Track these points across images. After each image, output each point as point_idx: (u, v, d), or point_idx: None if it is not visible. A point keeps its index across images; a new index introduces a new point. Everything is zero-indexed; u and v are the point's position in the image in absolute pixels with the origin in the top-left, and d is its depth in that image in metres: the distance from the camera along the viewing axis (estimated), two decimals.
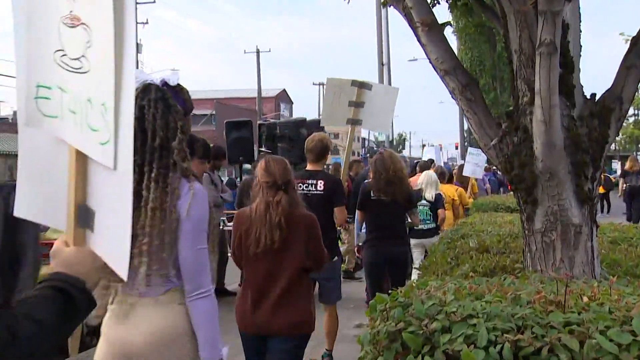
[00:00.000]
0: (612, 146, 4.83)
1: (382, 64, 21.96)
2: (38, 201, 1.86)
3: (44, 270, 6.27)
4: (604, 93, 3.95)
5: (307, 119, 10.87)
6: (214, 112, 47.23)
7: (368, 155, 32.22)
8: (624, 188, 17.00)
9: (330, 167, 11.19)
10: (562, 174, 3.78)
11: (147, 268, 2.44)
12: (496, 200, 10.89)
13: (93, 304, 1.63)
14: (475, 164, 13.46)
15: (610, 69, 4.23)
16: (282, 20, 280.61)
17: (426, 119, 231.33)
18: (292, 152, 9.04)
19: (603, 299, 2.59)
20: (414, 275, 6.72)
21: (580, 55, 3.98)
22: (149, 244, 2.43)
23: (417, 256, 8.06)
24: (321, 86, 54.29)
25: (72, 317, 1.56)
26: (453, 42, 22.91)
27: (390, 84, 20.52)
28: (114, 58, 1.52)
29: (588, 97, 3.97)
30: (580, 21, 4.02)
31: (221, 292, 7.88)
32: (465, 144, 35.22)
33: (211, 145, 7.96)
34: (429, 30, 4.22)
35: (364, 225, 6.88)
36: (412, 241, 8.11)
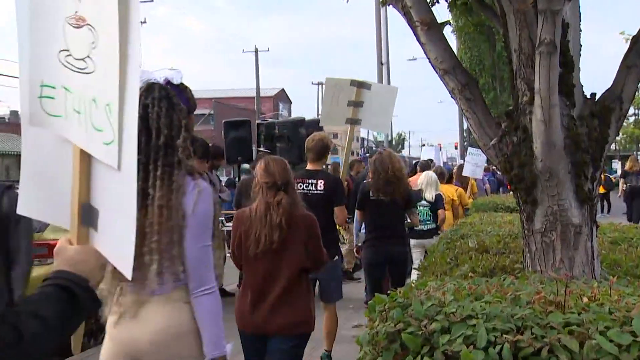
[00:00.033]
0: (613, 146, 4.83)
1: (382, 64, 21.97)
2: (42, 199, 1.87)
3: (43, 271, 6.31)
4: (604, 92, 3.94)
5: (306, 118, 10.87)
6: (212, 112, 47.21)
7: (368, 155, 32.23)
8: (624, 188, 17.00)
9: (329, 166, 11.18)
10: (562, 173, 3.77)
11: (159, 266, 2.46)
12: (496, 200, 10.88)
13: (97, 302, 1.64)
14: (474, 164, 13.45)
15: (611, 69, 4.23)
16: (281, 19, 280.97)
17: (425, 118, 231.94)
18: (290, 152, 9.03)
19: (603, 300, 2.59)
20: (414, 275, 6.71)
21: (580, 55, 3.97)
22: (159, 242, 2.45)
23: (417, 256, 8.05)
24: (320, 86, 54.25)
25: (75, 315, 1.56)
26: (452, 41, 22.86)
27: (389, 83, 20.55)
28: (119, 59, 1.53)
29: (588, 96, 3.96)
30: (580, 20, 4.01)
31: (219, 292, 7.86)
32: (465, 143, 35.24)
33: (209, 144, 7.95)
34: (428, 30, 4.21)
35: (363, 225, 6.88)
36: (412, 241, 8.11)
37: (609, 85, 3.94)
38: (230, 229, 4.03)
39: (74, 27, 1.61)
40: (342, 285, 6.26)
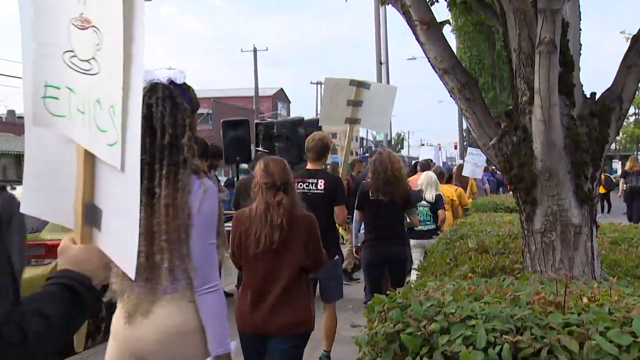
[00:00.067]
0: (613, 146, 4.82)
1: (381, 63, 21.97)
2: (45, 199, 1.89)
3: (40, 271, 6.30)
4: (604, 92, 3.92)
5: (305, 118, 10.84)
6: (210, 111, 47.21)
7: (368, 154, 32.25)
8: (624, 188, 17.00)
9: (329, 166, 11.18)
10: (562, 173, 3.76)
11: (170, 264, 2.48)
12: (495, 200, 10.87)
13: (99, 301, 1.65)
14: (474, 164, 13.44)
15: (611, 68, 4.22)
16: (280, 19, 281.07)
17: (425, 118, 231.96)
18: (289, 152, 9.01)
19: (603, 300, 2.58)
20: (413, 276, 6.70)
21: (580, 54, 3.96)
22: (168, 240, 2.48)
23: (416, 257, 8.04)
24: (319, 85, 54.26)
25: (79, 314, 1.57)
26: (452, 40, 22.77)
27: (388, 83, 20.56)
28: (123, 61, 1.54)
29: (588, 96, 3.95)
30: (580, 19, 4.00)
31: None
32: (465, 143, 35.26)
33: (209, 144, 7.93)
34: (427, 29, 4.20)
35: (362, 225, 6.87)
36: (412, 242, 8.10)
37: (609, 85, 3.93)
38: (229, 229, 4.02)
39: (79, 28, 1.63)
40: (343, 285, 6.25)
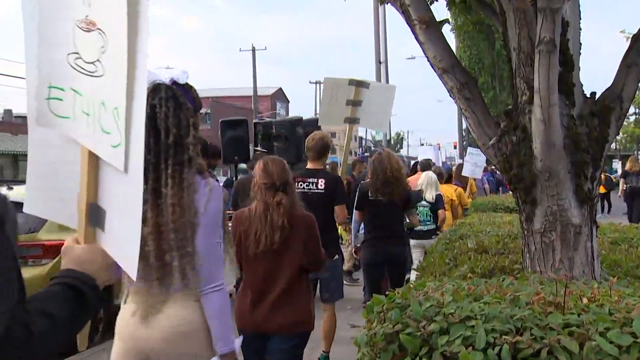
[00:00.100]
0: (613, 145, 4.81)
1: (380, 62, 21.93)
2: (48, 199, 1.91)
3: (37, 271, 6.29)
4: (604, 92, 3.92)
5: (304, 117, 10.81)
6: (209, 111, 47.16)
7: (368, 154, 32.24)
8: (624, 189, 16.99)
9: (327, 166, 11.16)
10: (562, 173, 3.75)
11: (179, 262, 2.50)
12: (495, 200, 10.86)
13: (103, 301, 1.66)
14: (474, 164, 13.42)
15: (611, 68, 4.21)
16: (278, 17, 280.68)
17: (424, 117, 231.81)
18: (288, 151, 8.97)
19: (603, 300, 2.57)
20: (412, 276, 6.69)
21: (580, 53, 3.95)
22: (176, 239, 2.50)
23: (416, 257, 8.03)
24: (318, 85, 54.23)
25: (83, 313, 1.58)
26: (451, 40, 22.85)
27: (388, 82, 20.52)
28: (127, 65, 1.55)
29: (588, 95, 3.94)
30: (580, 18, 3.99)
31: None
32: (464, 143, 35.26)
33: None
34: (426, 28, 4.19)
35: (361, 225, 6.86)
36: (412, 242, 8.10)
37: (609, 85, 3.92)
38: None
39: (84, 30, 1.64)
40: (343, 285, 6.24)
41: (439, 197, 8.39)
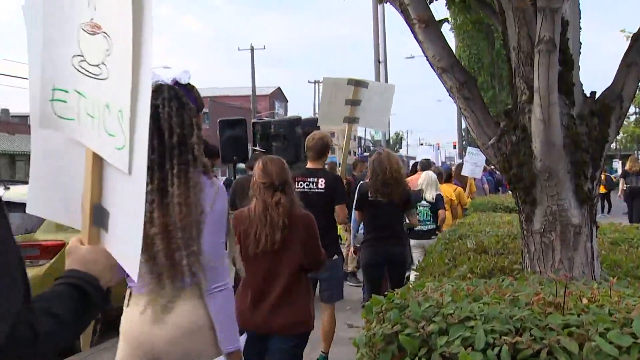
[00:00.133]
0: (613, 145, 4.79)
1: (379, 62, 21.93)
2: (51, 200, 1.92)
3: (35, 272, 6.27)
4: (604, 91, 3.90)
5: (303, 117, 10.79)
6: (207, 111, 47.18)
7: (367, 154, 32.24)
8: (624, 189, 16.98)
9: (326, 166, 11.14)
10: (562, 173, 3.73)
11: (187, 261, 2.52)
12: (494, 200, 10.83)
13: (106, 301, 1.67)
14: (474, 163, 13.41)
15: (611, 67, 4.19)
16: (277, 17, 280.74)
17: (424, 117, 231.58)
18: (286, 151, 8.94)
19: (603, 301, 2.56)
20: (412, 276, 6.68)
21: (579, 53, 3.93)
22: (184, 238, 2.52)
23: (417, 257, 8.02)
24: (316, 84, 54.19)
25: (87, 313, 1.60)
26: (451, 39, 22.84)
27: (387, 81, 20.54)
28: (132, 68, 1.56)
29: (588, 95, 3.92)
30: (580, 18, 3.98)
31: None
32: (464, 143, 35.27)
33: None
34: (426, 27, 4.17)
35: (361, 225, 6.85)
36: (412, 242, 8.10)
37: (609, 84, 3.91)
38: None
39: (89, 33, 1.65)
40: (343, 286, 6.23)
41: (439, 197, 8.38)
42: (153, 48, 1.56)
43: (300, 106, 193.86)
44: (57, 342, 1.47)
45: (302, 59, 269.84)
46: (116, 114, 1.60)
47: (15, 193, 6.34)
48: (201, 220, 2.56)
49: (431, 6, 4.50)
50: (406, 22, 4.30)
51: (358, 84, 7.35)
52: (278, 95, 74.49)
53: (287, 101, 77.50)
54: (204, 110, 2.85)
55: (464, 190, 11.63)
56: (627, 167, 16.99)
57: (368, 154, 29.71)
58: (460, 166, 13.92)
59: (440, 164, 16.78)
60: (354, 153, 52.90)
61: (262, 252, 3.94)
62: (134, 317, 2.66)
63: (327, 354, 5.87)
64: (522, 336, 2.22)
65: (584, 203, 3.78)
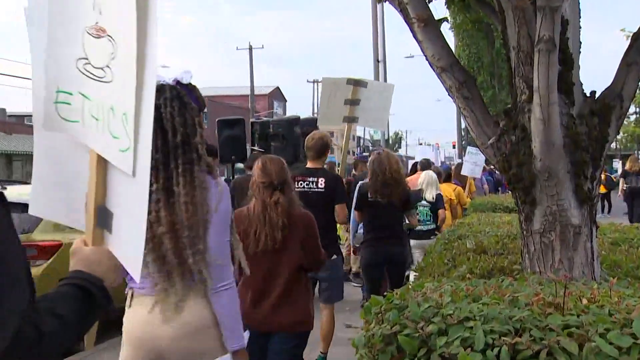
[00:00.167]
0: (613, 145, 4.79)
1: (378, 61, 21.90)
2: (54, 201, 1.93)
3: (32, 272, 6.27)
4: (604, 90, 3.89)
5: (301, 117, 10.79)
6: (205, 110, 46.91)
7: (367, 154, 32.27)
8: (624, 189, 16.98)
9: (325, 166, 11.13)
10: (561, 173, 3.72)
11: (193, 259, 2.52)
12: (494, 200, 10.82)
13: (110, 301, 1.68)
14: (474, 163, 13.40)
15: (611, 67, 4.19)
16: (275, 16, 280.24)
17: (423, 117, 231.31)
18: (285, 151, 8.94)
19: (603, 301, 2.56)
20: (411, 276, 6.68)
21: (579, 52, 3.92)
22: (190, 237, 2.52)
23: (417, 257, 8.01)
24: (315, 84, 54.18)
25: (91, 314, 1.61)
26: (450, 38, 22.78)
27: (386, 81, 20.51)
28: (136, 72, 1.57)
29: (588, 94, 3.92)
30: (580, 17, 3.97)
31: None
32: (463, 142, 35.27)
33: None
34: (425, 27, 4.16)
35: (360, 226, 6.85)
36: (412, 242, 8.09)
37: (609, 84, 3.90)
38: None
39: (94, 37, 1.66)
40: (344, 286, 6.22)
41: (439, 197, 8.37)
42: (158, 51, 1.57)
43: (299, 106, 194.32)
44: (61, 343, 1.49)
45: (301, 59, 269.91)
46: (120, 117, 1.61)
47: (12, 193, 6.33)
48: (207, 219, 2.57)
49: (430, 5, 4.48)
50: (405, 22, 4.29)
51: (357, 83, 7.35)
52: (277, 94, 74.43)
53: (286, 101, 77.44)
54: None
55: (464, 190, 11.62)
56: (627, 167, 16.99)
57: (367, 153, 29.72)
58: (459, 166, 13.91)
59: (439, 164, 16.78)
60: (353, 153, 52.92)
61: (262, 252, 3.94)
62: (138, 317, 2.67)
63: (326, 355, 5.86)
64: (521, 337, 2.22)
65: (583, 203, 3.78)
